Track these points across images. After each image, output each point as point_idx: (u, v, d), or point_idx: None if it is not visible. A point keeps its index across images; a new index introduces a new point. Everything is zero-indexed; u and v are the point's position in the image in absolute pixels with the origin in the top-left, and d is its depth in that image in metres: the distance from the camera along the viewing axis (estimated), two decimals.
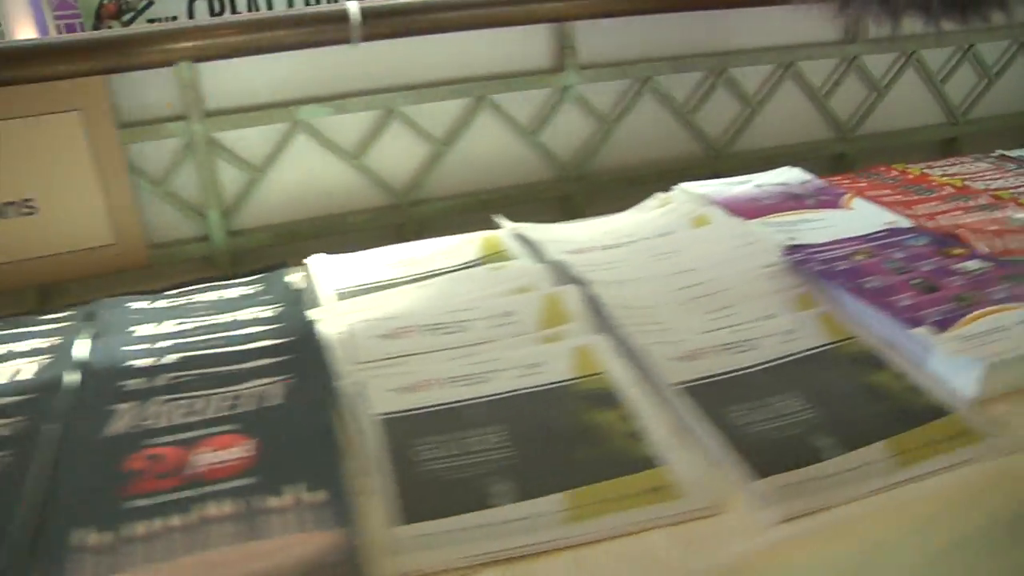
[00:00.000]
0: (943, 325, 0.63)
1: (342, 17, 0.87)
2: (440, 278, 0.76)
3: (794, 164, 1.15)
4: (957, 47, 1.21)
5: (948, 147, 1.27)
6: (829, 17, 1.02)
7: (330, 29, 0.88)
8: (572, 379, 0.62)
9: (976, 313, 0.64)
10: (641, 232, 0.84)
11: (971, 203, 0.93)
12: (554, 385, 0.61)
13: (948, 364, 0.60)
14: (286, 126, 0.93)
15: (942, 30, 0.85)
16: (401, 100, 0.95)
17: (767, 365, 0.63)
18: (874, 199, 0.91)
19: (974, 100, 1.26)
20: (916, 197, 0.95)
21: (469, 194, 1.02)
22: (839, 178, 1.00)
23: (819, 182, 0.96)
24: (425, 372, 0.63)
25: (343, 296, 0.75)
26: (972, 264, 0.73)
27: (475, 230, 0.87)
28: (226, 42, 0.87)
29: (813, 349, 0.65)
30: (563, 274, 0.75)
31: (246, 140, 0.94)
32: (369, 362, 0.65)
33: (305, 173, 0.97)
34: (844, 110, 1.19)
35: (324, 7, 0.88)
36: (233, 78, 0.91)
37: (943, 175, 1.05)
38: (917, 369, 0.62)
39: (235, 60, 0.89)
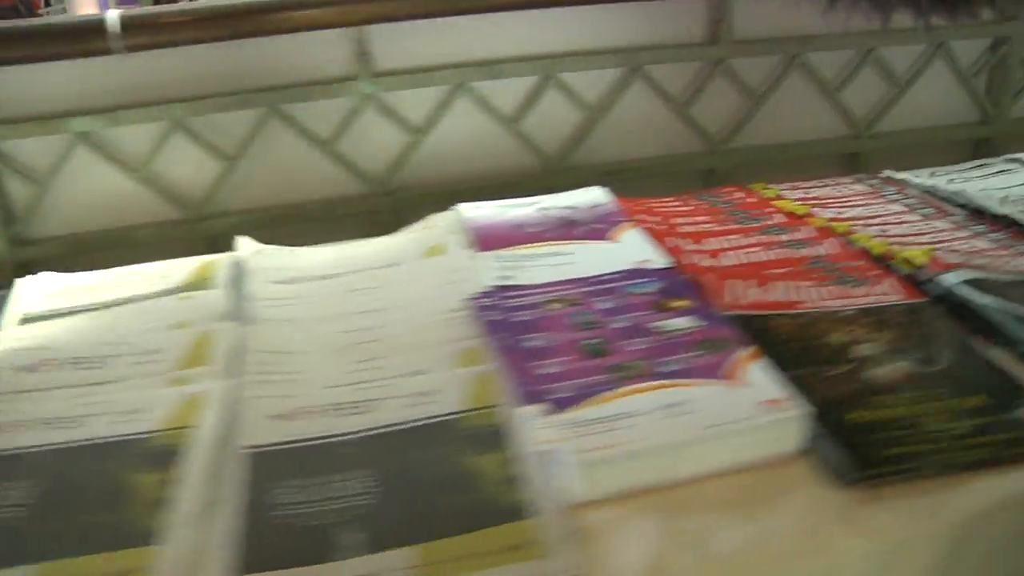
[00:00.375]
0: (563, 404, 0.54)
1: (99, 28, 0.84)
2: (125, 307, 0.73)
3: (655, 178, 1.05)
4: (857, 50, 1.06)
5: (851, 163, 1.12)
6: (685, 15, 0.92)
7: (89, 40, 0.85)
8: (150, 432, 0.57)
9: (618, 391, 0.55)
10: (369, 261, 0.77)
11: (785, 236, 0.81)
12: (128, 438, 0.57)
13: (556, 454, 0.51)
14: (65, 137, 0.92)
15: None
16: (181, 111, 0.92)
17: (369, 433, 0.56)
18: (664, 230, 0.81)
19: (881, 111, 1.10)
20: (730, 227, 0.84)
21: (265, 208, 0.98)
22: (656, 201, 0.90)
23: (611, 206, 0.86)
24: (30, 411, 0.60)
25: (26, 321, 0.73)
26: (681, 321, 0.63)
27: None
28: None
29: (438, 417, 0.57)
30: (240, 309, 0.70)
31: (29, 150, 0.93)
32: None
33: (92, 185, 0.95)
34: (713, 120, 1.06)
35: (80, 16, 0.85)
36: (7, 87, 0.90)
37: (799, 199, 0.92)
38: (532, 455, 0.53)
39: (8, 69, 0.88)
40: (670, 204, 0.91)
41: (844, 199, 0.93)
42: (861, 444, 0.51)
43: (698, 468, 0.51)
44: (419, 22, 0.92)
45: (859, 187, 0.97)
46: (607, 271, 0.71)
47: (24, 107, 0.91)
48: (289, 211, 0.98)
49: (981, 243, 0.78)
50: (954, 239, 0.80)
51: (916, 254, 0.73)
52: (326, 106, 0.95)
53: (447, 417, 0.57)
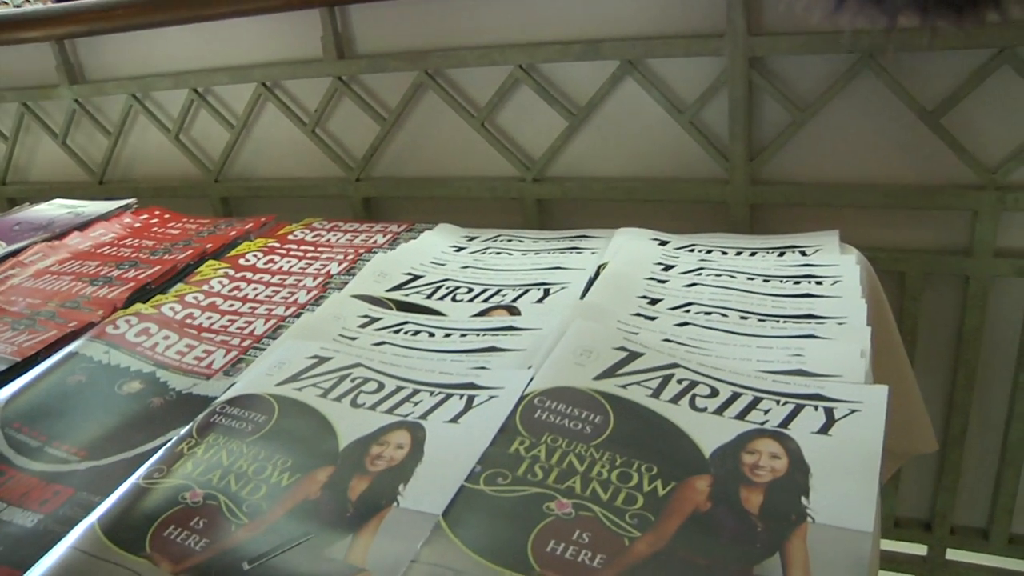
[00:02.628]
0: None
1: None
2: None
3: (296, 200, 1.04)
4: None
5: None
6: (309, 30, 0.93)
7: None
8: None
9: None
10: None
11: (116, 272, 0.76)
12: None
13: None
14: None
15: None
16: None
17: None
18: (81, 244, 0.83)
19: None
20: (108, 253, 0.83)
21: None
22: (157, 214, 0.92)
23: (101, 217, 0.90)
24: None
25: None
26: None
27: None
28: None
29: None
30: None
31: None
32: None
33: None
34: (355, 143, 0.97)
35: None
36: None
37: (294, 240, 0.82)
38: None
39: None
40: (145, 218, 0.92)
41: (333, 248, 0.80)
42: None
43: None
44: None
45: (381, 237, 0.81)
46: None
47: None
48: None
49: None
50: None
51: (123, 313, 0.65)
52: None
53: None
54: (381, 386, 0.50)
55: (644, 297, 0.59)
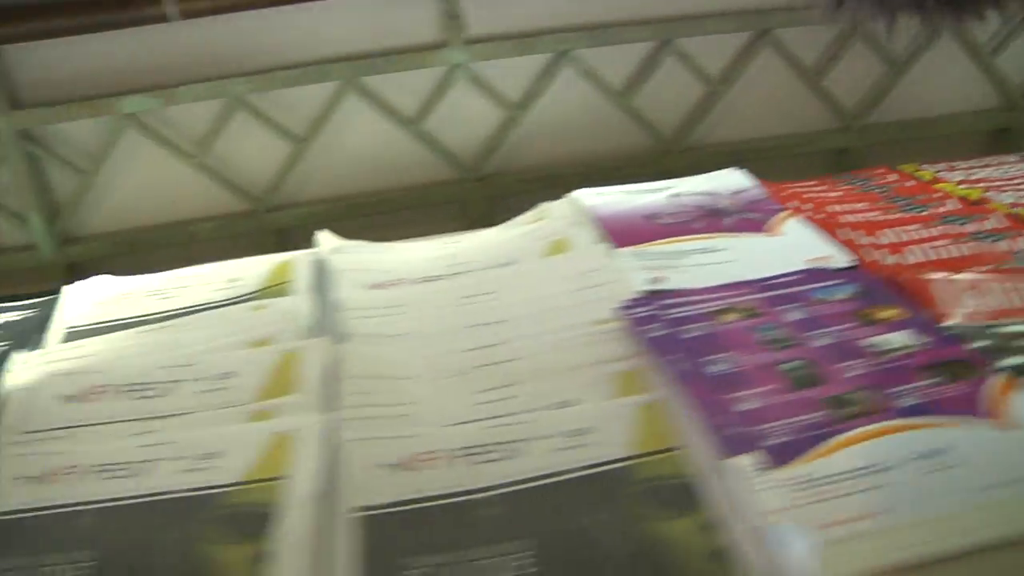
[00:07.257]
0: (781, 454, 0.40)
1: None
2: (190, 317, 0.60)
3: (781, 160, 0.91)
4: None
5: (1001, 139, 0.96)
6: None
7: (141, 6, 0.73)
8: (231, 485, 0.44)
9: (849, 435, 0.41)
10: (479, 260, 0.64)
11: (969, 227, 0.66)
12: (205, 492, 0.44)
13: (784, 527, 0.37)
14: (112, 120, 0.80)
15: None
16: (245, 87, 0.79)
17: (516, 488, 0.43)
18: (825, 219, 0.67)
19: None
20: (897, 216, 0.69)
21: (340, 198, 0.86)
22: (800, 185, 0.75)
23: (758, 192, 0.71)
24: (76, 455, 0.48)
25: (72, 336, 0.61)
26: (898, 338, 0.49)
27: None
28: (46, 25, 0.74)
29: (604, 465, 0.44)
30: (329, 321, 0.57)
31: (75, 135, 0.81)
32: (35, 432, 0.51)
33: (145, 174, 0.84)
34: (849, 91, 0.91)
35: None
36: (49, 65, 0.78)
37: (962, 182, 0.77)
38: (739, 520, 0.39)
39: (51, 44, 0.76)
40: (816, 189, 0.76)
41: (1015, 180, 0.77)
42: None
43: (972, 540, 0.37)
44: None
45: None
46: (779, 271, 0.57)
47: (68, 87, 0.79)
48: (368, 200, 0.86)
49: None
50: None
51: None
52: (411, 78, 0.82)
53: (615, 465, 0.43)
54: None
55: None
